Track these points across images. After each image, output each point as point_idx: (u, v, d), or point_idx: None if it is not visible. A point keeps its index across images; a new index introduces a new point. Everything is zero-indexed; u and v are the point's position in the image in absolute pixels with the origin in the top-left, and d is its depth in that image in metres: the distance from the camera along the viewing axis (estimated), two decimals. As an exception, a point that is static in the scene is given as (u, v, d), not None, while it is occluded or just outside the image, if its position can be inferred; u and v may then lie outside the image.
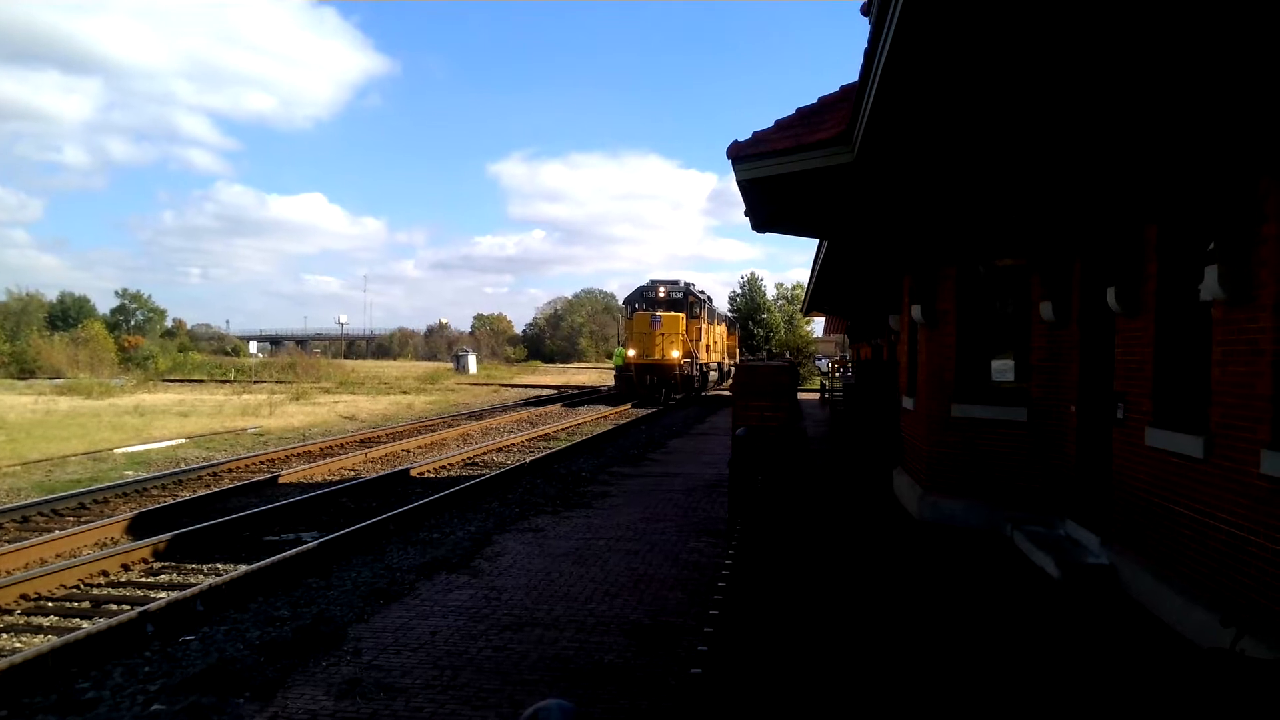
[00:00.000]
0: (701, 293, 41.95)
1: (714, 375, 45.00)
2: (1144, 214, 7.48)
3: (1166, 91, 4.94)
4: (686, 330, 37.84)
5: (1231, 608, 5.73)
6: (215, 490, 13.89)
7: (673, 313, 37.43)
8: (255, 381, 47.75)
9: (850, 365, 39.12)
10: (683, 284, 40.14)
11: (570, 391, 46.30)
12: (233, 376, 55.16)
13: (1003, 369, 10.56)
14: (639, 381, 36.21)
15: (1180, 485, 6.65)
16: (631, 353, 36.83)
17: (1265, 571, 5.43)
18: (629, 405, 33.97)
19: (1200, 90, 4.90)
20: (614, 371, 40.23)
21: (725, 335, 52.17)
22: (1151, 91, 4.95)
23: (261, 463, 17.67)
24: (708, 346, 42.59)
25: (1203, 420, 6.35)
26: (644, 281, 39.60)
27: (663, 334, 36.36)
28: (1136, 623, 6.77)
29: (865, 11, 6.60)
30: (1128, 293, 7.63)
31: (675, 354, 36.39)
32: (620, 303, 47.14)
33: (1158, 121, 5.52)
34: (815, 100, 8.01)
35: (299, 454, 19.28)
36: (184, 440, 21.29)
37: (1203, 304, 6.29)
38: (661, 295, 38.54)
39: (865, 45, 5.05)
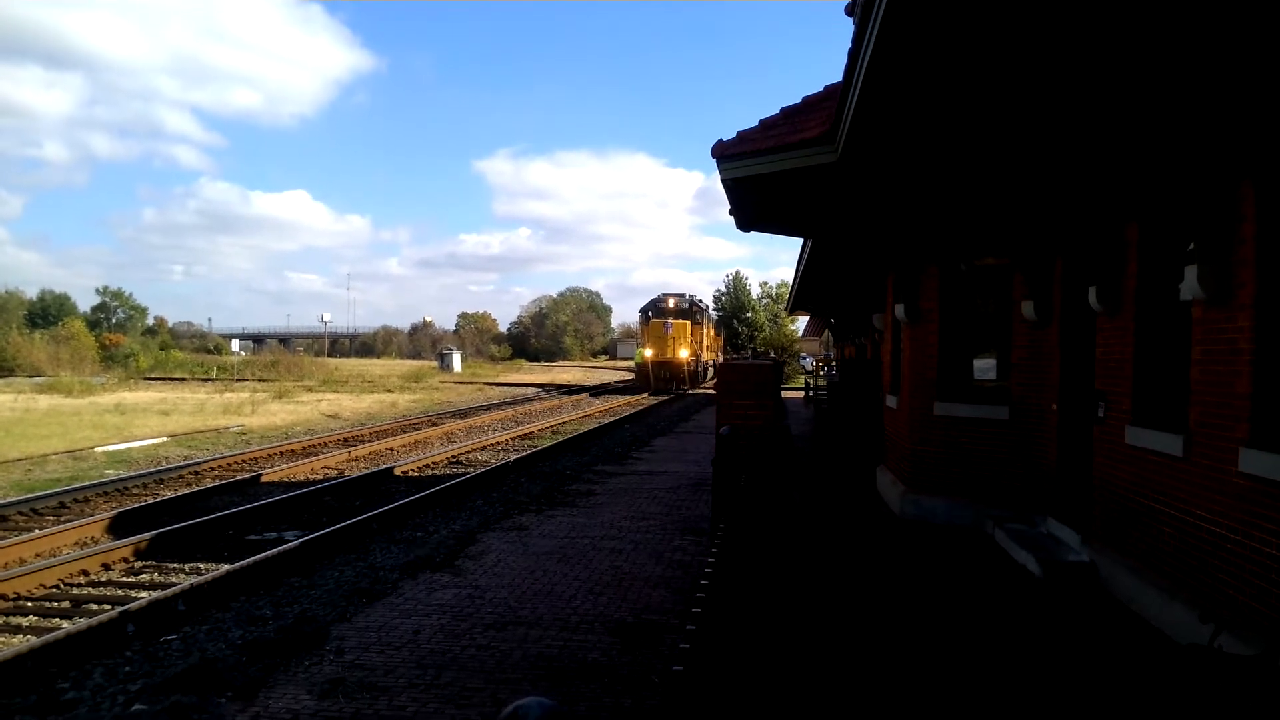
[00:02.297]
0: (701, 302, 52.12)
1: (710, 371, 52.06)
2: (1125, 214, 7.53)
3: (1150, 94, 4.98)
4: (691, 334, 46.37)
5: (1210, 604, 5.78)
6: (197, 489, 13.82)
7: (680, 320, 45.91)
8: (237, 380, 47.44)
9: (834, 364, 39.39)
10: (688, 296, 49.45)
11: (552, 388, 46.53)
12: (215, 375, 54.83)
13: (985, 367, 10.61)
14: (655, 376, 44.08)
15: (1160, 483, 6.71)
16: (648, 353, 45.16)
17: (1243, 569, 5.48)
18: (646, 394, 41.36)
19: (1183, 94, 4.94)
20: (634, 368, 49.79)
21: (715, 336, 60.78)
22: (1135, 93, 4.99)
23: (243, 461, 17.59)
24: (707, 347, 52.33)
25: (1182, 419, 6.40)
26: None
27: (673, 338, 44.76)
28: (1117, 619, 6.82)
29: (849, 12, 6.63)
30: (1108, 292, 7.69)
31: (684, 354, 45.02)
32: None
33: (1141, 123, 5.56)
34: (800, 100, 8.04)
35: (281, 453, 19.20)
36: (165, 439, 21.15)
37: (1183, 303, 6.34)
38: (671, 306, 47.45)
39: (849, 45, 5.07)
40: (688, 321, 46.35)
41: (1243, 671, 4.12)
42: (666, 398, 39.44)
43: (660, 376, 43.96)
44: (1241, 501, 5.53)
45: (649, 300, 49.24)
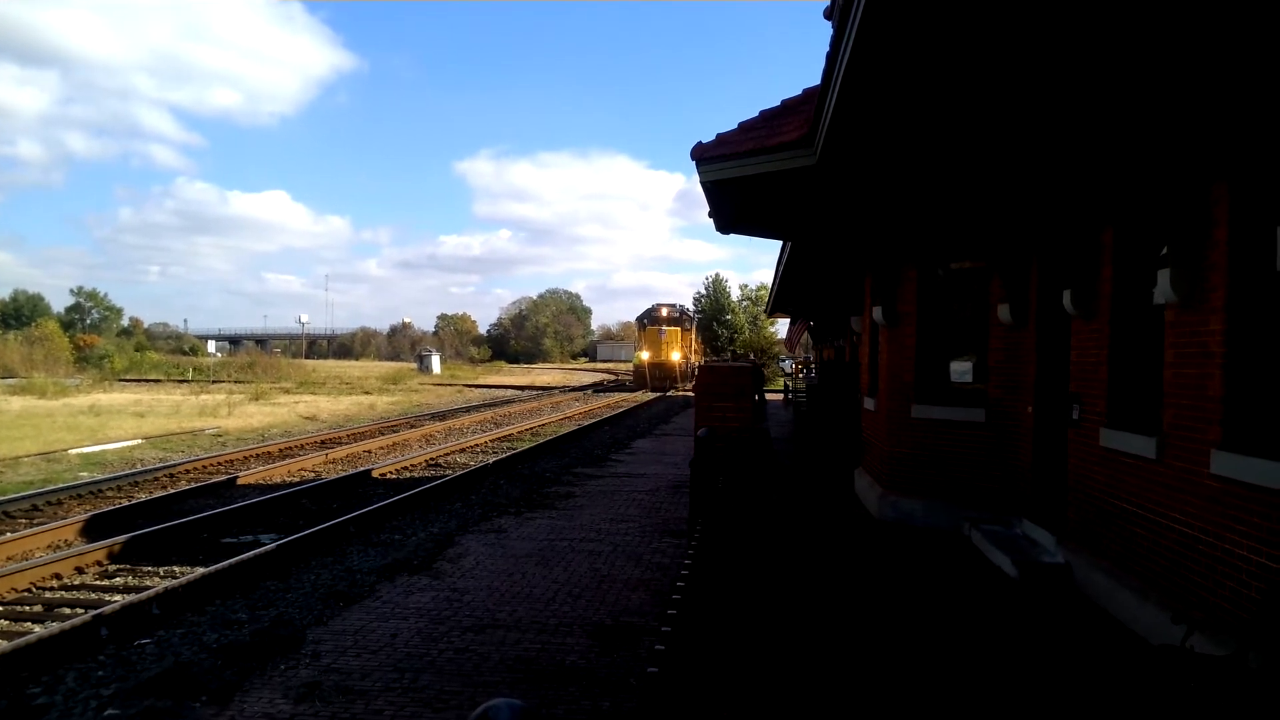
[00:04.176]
0: (688, 311, 61.88)
1: (695, 372, 56.03)
2: (1100, 218, 7.60)
3: (1123, 98, 5.03)
4: (681, 339, 54.39)
5: (1182, 605, 5.84)
6: (172, 492, 13.69)
7: (673, 327, 53.83)
8: (213, 381, 47.03)
9: (813, 366, 39.61)
10: (679, 306, 58.32)
11: (532, 390, 46.54)
12: (190, 376, 54.29)
13: (962, 370, 10.68)
14: (651, 375, 50.89)
15: (1133, 485, 6.77)
16: (645, 355, 52.52)
17: (1214, 570, 5.55)
18: (642, 392, 47.68)
19: (1157, 99, 4.99)
20: (632, 369, 56.60)
21: (698, 340, 67.38)
22: (1109, 97, 5.04)
23: (219, 464, 17.44)
24: (695, 350, 60.15)
25: (1155, 421, 6.46)
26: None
27: (666, 342, 52.82)
28: (1091, 621, 6.88)
29: (828, 15, 6.65)
30: (1083, 295, 7.76)
31: (676, 357, 52.60)
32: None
33: (1116, 126, 5.61)
34: (779, 103, 8.07)
35: (258, 455, 19.05)
36: (140, 441, 20.94)
37: (1156, 307, 6.40)
38: (664, 315, 54.76)
39: (828, 49, 5.10)
40: (678, 328, 54.35)
41: (1214, 672, 4.16)
42: (648, 399, 41.71)
43: (655, 376, 50.89)
44: (1213, 503, 5.59)
45: (645, 310, 56.90)
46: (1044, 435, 9.02)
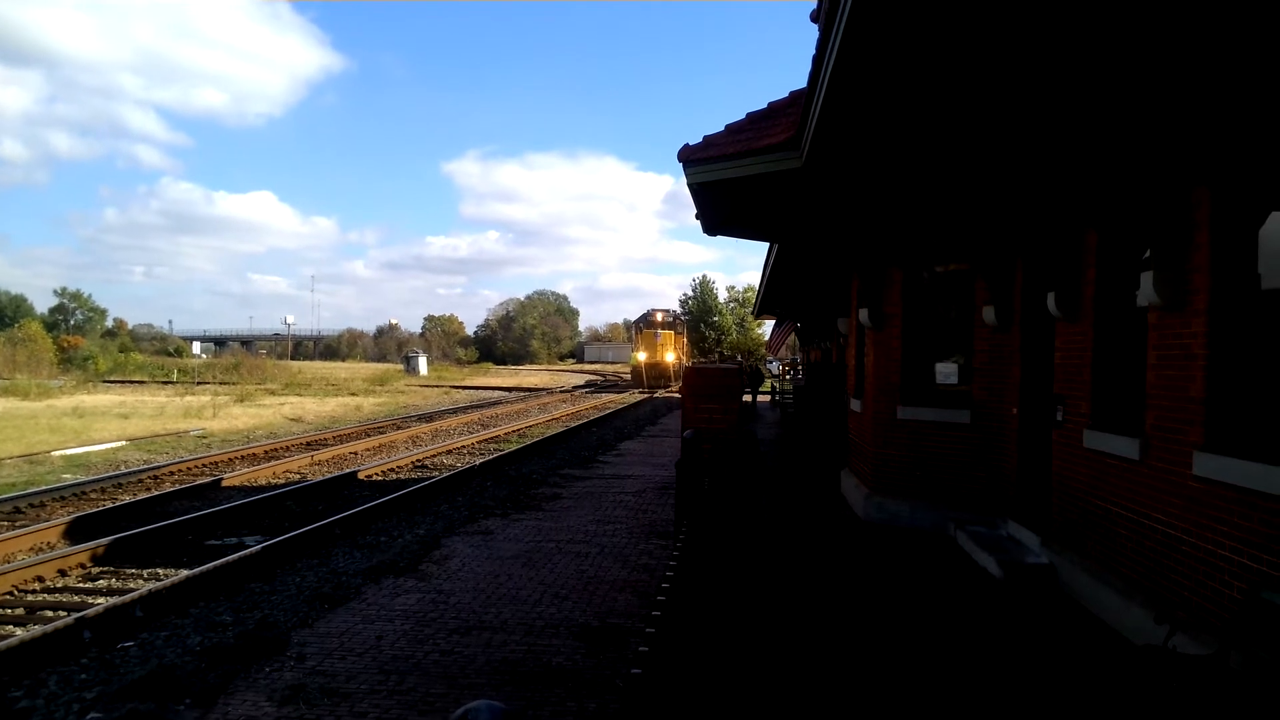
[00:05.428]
0: (680, 315, 68.07)
1: None
2: (1084, 221, 7.65)
3: (1106, 103, 5.06)
4: (674, 342, 58.21)
5: (1165, 606, 5.88)
6: (156, 494, 13.61)
7: (667, 330, 58.01)
8: (198, 383, 46.76)
9: (800, 368, 39.78)
10: (672, 311, 63.14)
11: (519, 392, 46.45)
12: (175, 378, 53.99)
13: (947, 372, 10.72)
14: (647, 375, 54.33)
15: (1117, 486, 6.82)
16: (641, 357, 55.83)
17: (1197, 570, 5.59)
18: (638, 390, 51.04)
19: (1138, 103, 5.03)
20: (630, 369, 60.51)
21: (688, 343, 72.38)
22: (1092, 102, 5.07)
23: (204, 465, 17.35)
24: (687, 352, 64.90)
25: (1139, 423, 6.50)
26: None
27: (661, 345, 56.53)
28: (1075, 621, 6.91)
29: (815, 19, 6.67)
30: (1067, 298, 7.80)
31: (669, 358, 56.14)
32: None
33: (1098, 130, 5.65)
34: (765, 106, 8.09)
35: (243, 457, 18.96)
36: (124, 443, 20.81)
37: (1139, 309, 6.44)
38: (659, 319, 58.98)
39: (814, 52, 5.11)
40: (672, 331, 58.49)
41: (1197, 671, 4.20)
42: (636, 400, 42.80)
43: (651, 375, 54.41)
44: (1195, 504, 5.63)
45: (640, 315, 61.74)
46: (1028, 437, 9.07)
